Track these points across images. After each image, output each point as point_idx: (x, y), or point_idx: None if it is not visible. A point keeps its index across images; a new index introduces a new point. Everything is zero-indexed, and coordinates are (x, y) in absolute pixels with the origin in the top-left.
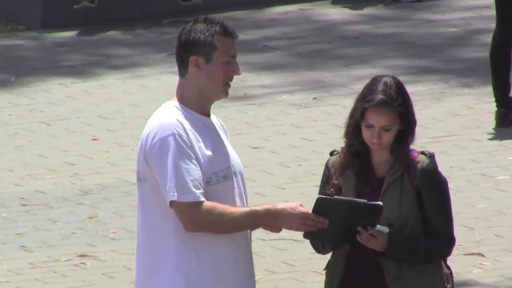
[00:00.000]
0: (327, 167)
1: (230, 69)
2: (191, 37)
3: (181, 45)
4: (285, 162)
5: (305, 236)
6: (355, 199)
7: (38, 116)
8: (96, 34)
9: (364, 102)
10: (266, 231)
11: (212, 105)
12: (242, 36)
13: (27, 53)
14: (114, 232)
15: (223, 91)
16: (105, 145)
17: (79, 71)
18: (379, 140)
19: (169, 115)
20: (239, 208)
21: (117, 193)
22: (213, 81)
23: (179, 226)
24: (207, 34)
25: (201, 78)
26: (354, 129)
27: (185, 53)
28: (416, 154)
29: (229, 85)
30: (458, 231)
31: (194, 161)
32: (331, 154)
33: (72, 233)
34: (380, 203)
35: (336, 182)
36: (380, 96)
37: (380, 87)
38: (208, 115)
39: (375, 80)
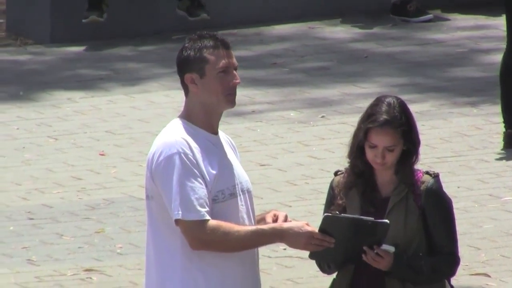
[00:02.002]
0: (331, 187)
1: (228, 79)
2: (182, 56)
3: (177, 65)
4: (292, 180)
5: (311, 256)
6: (362, 217)
7: (46, 131)
8: (105, 49)
9: (367, 122)
10: (272, 248)
11: (219, 123)
12: (250, 52)
13: (36, 67)
14: (121, 247)
15: (226, 101)
16: (113, 160)
17: (88, 86)
18: (383, 160)
19: (175, 133)
20: (244, 227)
21: (124, 208)
22: (213, 94)
23: (185, 244)
24: (197, 49)
25: (201, 94)
26: (357, 149)
27: (181, 72)
28: (420, 174)
29: (233, 95)
30: (464, 251)
31: (199, 179)
32: (336, 174)
33: (79, 247)
34: (387, 221)
35: (340, 202)
36: (383, 117)
37: (384, 107)
38: (216, 133)
39: (378, 101)
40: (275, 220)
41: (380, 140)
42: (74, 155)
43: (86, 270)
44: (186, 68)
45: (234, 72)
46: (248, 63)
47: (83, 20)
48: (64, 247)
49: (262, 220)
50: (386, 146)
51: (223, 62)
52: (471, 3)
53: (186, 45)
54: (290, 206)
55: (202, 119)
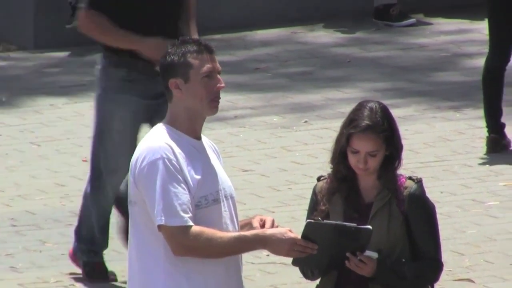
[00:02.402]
0: (314, 193)
1: (213, 84)
2: (166, 62)
3: (160, 70)
4: (275, 185)
5: (294, 263)
6: (345, 223)
7: (29, 137)
8: (88, 55)
9: (349, 127)
10: (255, 254)
11: (203, 127)
12: (233, 57)
13: (19, 73)
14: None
15: (210, 107)
16: None
17: (71, 92)
18: (365, 165)
19: (158, 138)
20: (227, 233)
21: None
22: (198, 99)
23: (169, 250)
24: (180, 54)
25: (185, 99)
26: (340, 154)
27: (165, 77)
28: (403, 179)
29: (217, 101)
30: (447, 256)
31: (182, 185)
32: (318, 179)
33: (62, 254)
34: (370, 227)
35: (323, 208)
36: (365, 122)
37: (366, 112)
38: (199, 138)
39: (360, 106)
40: (262, 224)
41: (362, 145)
42: (57, 162)
43: (69, 276)
44: (170, 73)
45: (218, 76)
46: (231, 68)
47: (67, 26)
48: (48, 254)
49: (248, 224)
50: (368, 151)
51: (207, 66)
52: (454, 7)
53: (169, 50)
54: (273, 212)
55: (186, 124)
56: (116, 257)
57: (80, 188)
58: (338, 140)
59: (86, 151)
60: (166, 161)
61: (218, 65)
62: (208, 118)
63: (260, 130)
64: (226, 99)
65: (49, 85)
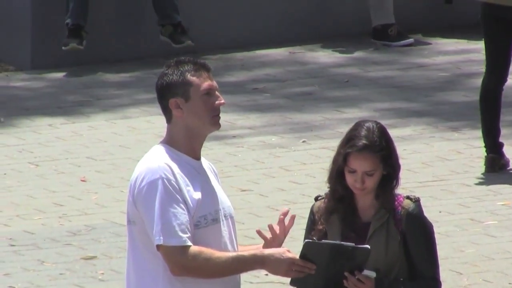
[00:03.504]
0: (311, 212)
1: (213, 101)
2: (164, 82)
3: (158, 92)
4: (273, 205)
5: (292, 283)
6: (343, 242)
7: (27, 157)
8: (86, 75)
9: (346, 147)
10: (254, 274)
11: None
12: (232, 78)
13: (17, 94)
14: (102, 273)
15: (212, 123)
16: (94, 186)
17: (69, 112)
18: (363, 185)
19: (157, 158)
20: (225, 253)
21: (106, 234)
22: (198, 117)
23: (167, 269)
24: (179, 74)
25: (186, 118)
26: (337, 174)
27: (164, 98)
28: (401, 198)
29: (219, 117)
30: (446, 275)
31: (181, 205)
32: (316, 199)
33: (60, 274)
34: (368, 246)
35: (321, 227)
36: (362, 142)
37: (363, 132)
38: (199, 158)
39: (357, 125)
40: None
41: (359, 164)
42: (55, 181)
43: None
44: (170, 93)
45: (217, 93)
46: (229, 88)
47: (63, 48)
48: (46, 274)
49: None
50: (365, 171)
51: (207, 83)
52: (452, 27)
53: (166, 71)
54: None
55: (186, 144)
56: (115, 276)
57: (78, 208)
58: (335, 160)
59: (84, 171)
60: (165, 181)
61: (215, 82)
62: (207, 138)
63: (258, 150)
64: (224, 119)
65: (47, 105)
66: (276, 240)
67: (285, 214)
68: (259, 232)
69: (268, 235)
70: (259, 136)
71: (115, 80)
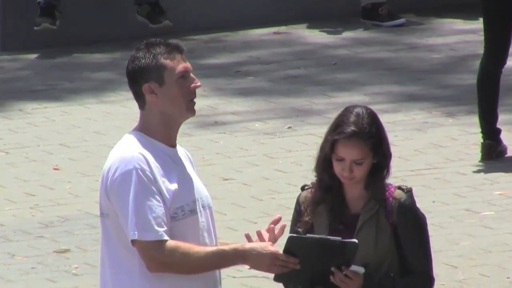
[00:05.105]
0: (298, 203)
1: (188, 84)
2: (136, 66)
3: (129, 77)
4: (257, 195)
5: (276, 279)
6: (329, 237)
7: None
8: (59, 57)
9: (334, 134)
10: (237, 268)
11: (180, 134)
12: (213, 60)
13: None
14: (77, 267)
15: (188, 109)
16: (67, 175)
17: (40, 96)
18: (351, 174)
19: (131, 147)
20: (205, 248)
21: (80, 226)
22: (174, 102)
23: (144, 265)
24: (151, 57)
25: (161, 103)
26: (324, 162)
27: (136, 84)
28: (392, 189)
29: (194, 102)
30: (440, 269)
31: (157, 196)
32: (302, 188)
33: (32, 268)
34: (356, 240)
35: (307, 219)
36: (351, 128)
37: (352, 118)
38: (174, 145)
39: (346, 111)
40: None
41: (348, 152)
42: (26, 170)
43: None
44: (142, 78)
45: (192, 75)
46: (210, 71)
47: (35, 28)
48: (16, 268)
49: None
50: (354, 159)
51: (181, 66)
52: (446, 6)
53: (137, 55)
54: (256, 223)
55: (161, 131)
56: (90, 270)
57: (51, 198)
58: (322, 147)
59: (57, 159)
60: (140, 171)
61: (189, 64)
62: (186, 124)
63: (241, 136)
64: (205, 103)
65: (17, 89)
66: None
67: (275, 222)
68: (247, 237)
69: (256, 240)
70: (242, 122)
71: (89, 62)
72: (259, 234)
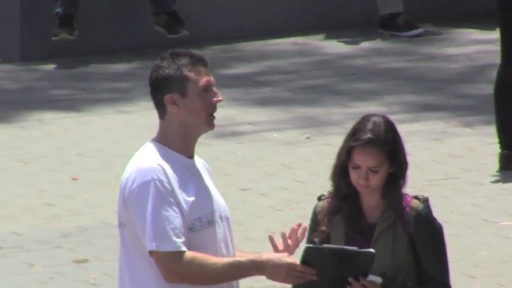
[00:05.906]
0: (314, 213)
1: (210, 97)
2: (160, 76)
3: (152, 85)
4: (275, 205)
5: None
6: (346, 246)
7: (15, 154)
8: (77, 67)
9: (350, 141)
10: (255, 278)
11: (198, 145)
12: (231, 70)
13: (5, 87)
14: (95, 277)
15: (207, 124)
16: (86, 185)
17: (59, 106)
18: (367, 182)
19: (149, 158)
20: (222, 259)
21: (98, 236)
22: (195, 114)
23: (161, 277)
24: (176, 68)
25: (182, 115)
26: (340, 170)
27: (159, 93)
28: (409, 198)
29: (214, 117)
30: (457, 279)
31: (175, 207)
32: (319, 199)
33: (50, 278)
34: (372, 250)
35: (324, 229)
36: (367, 135)
37: (369, 125)
38: (192, 157)
39: (363, 119)
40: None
41: (363, 160)
42: (45, 180)
43: None
44: (165, 88)
45: (215, 89)
46: (228, 81)
47: (53, 38)
48: (35, 278)
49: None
50: (369, 167)
51: (205, 79)
52: (464, 16)
53: (161, 64)
54: (274, 233)
55: (179, 142)
56: (109, 280)
57: (70, 208)
58: (339, 155)
59: (75, 169)
60: (158, 183)
61: (212, 78)
62: (204, 134)
63: (259, 146)
64: (223, 114)
65: (35, 99)
66: (286, 250)
67: (298, 225)
68: (271, 239)
69: (280, 243)
70: (260, 132)
71: (107, 72)
72: (284, 236)
